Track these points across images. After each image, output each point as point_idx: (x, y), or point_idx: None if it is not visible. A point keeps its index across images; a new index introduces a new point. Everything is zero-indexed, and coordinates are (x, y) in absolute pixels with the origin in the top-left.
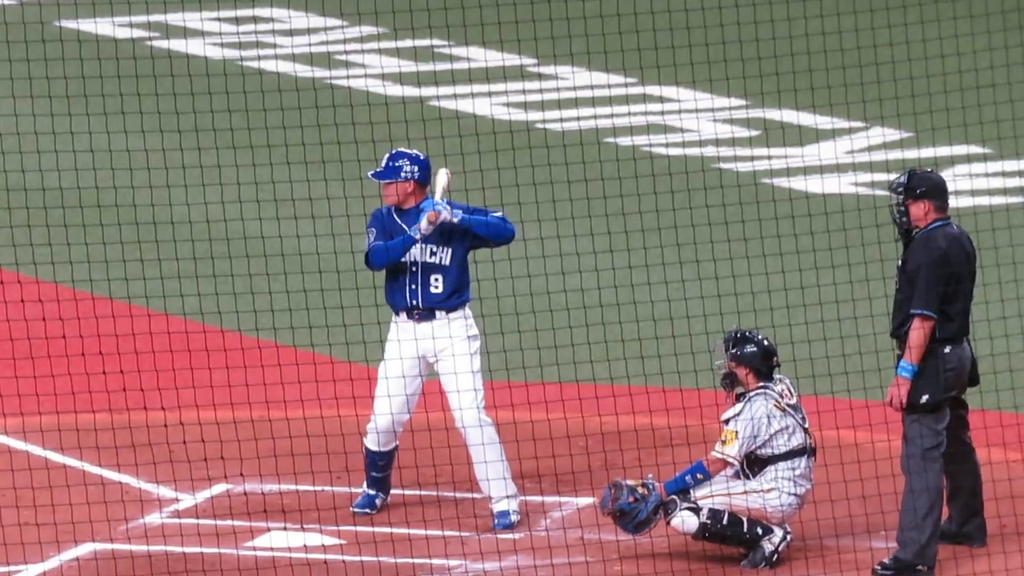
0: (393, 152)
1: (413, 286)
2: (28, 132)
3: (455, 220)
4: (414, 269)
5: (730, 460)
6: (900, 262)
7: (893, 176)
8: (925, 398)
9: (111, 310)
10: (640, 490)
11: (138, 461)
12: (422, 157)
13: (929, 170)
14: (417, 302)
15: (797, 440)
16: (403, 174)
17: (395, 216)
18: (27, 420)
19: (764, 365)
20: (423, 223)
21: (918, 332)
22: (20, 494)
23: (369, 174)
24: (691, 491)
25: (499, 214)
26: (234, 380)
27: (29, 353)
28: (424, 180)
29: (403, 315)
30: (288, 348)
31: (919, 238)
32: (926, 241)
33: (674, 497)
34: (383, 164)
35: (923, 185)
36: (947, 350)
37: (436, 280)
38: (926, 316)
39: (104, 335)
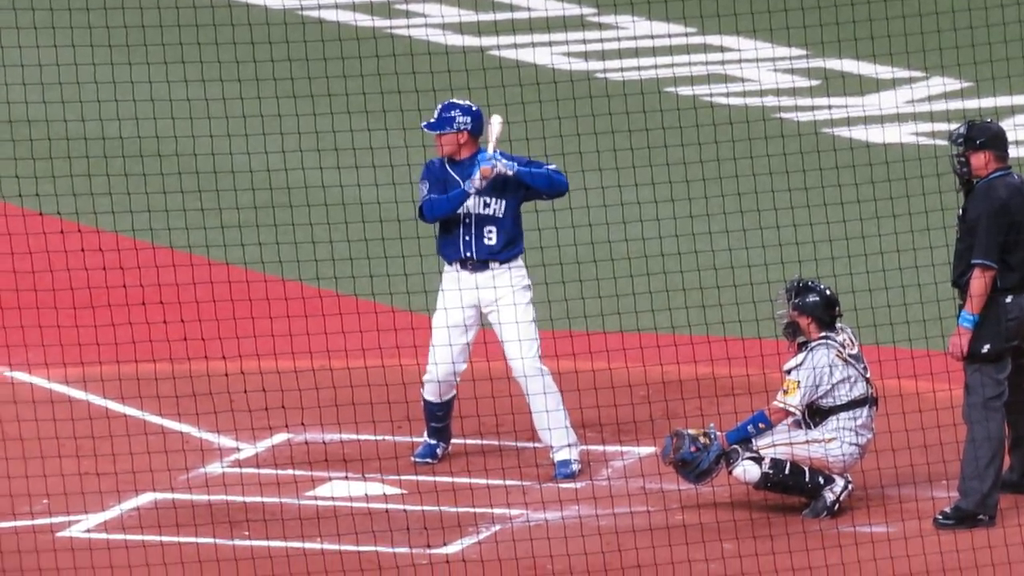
0: (445, 103)
1: (467, 238)
2: (88, 81)
3: (509, 173)
4: (467, 221)
5: (792, 410)
6: (960, 212)
7: (953, 126)
8: (987, 348)
9: (172, 259)
10: (702, 439)
11: (199, 411)
12: (474, 108)
13: (989, 120)
14: (471, 253)
15: (859, 390)
16: (456, 125)
17: (448, 168)
18: (88, 369)
19: (826, 315)
20: (476, 178)
21: (979, 282)
22: (80, 444)
23: (422, 125)
24: (752, 441)
25: (553, 166)
26: (295, 329)
27: (90, 302)
28: (477, 131)
29: (456, 265)
30: (348, 297)
31: (979, 188)
32: (986, 191)
33: (736, 447)
34: (436, 115)
35: (983, 135)
36: (1008, 300)
37: (490, 232)
38: (987, 266)
39: (165, 284)
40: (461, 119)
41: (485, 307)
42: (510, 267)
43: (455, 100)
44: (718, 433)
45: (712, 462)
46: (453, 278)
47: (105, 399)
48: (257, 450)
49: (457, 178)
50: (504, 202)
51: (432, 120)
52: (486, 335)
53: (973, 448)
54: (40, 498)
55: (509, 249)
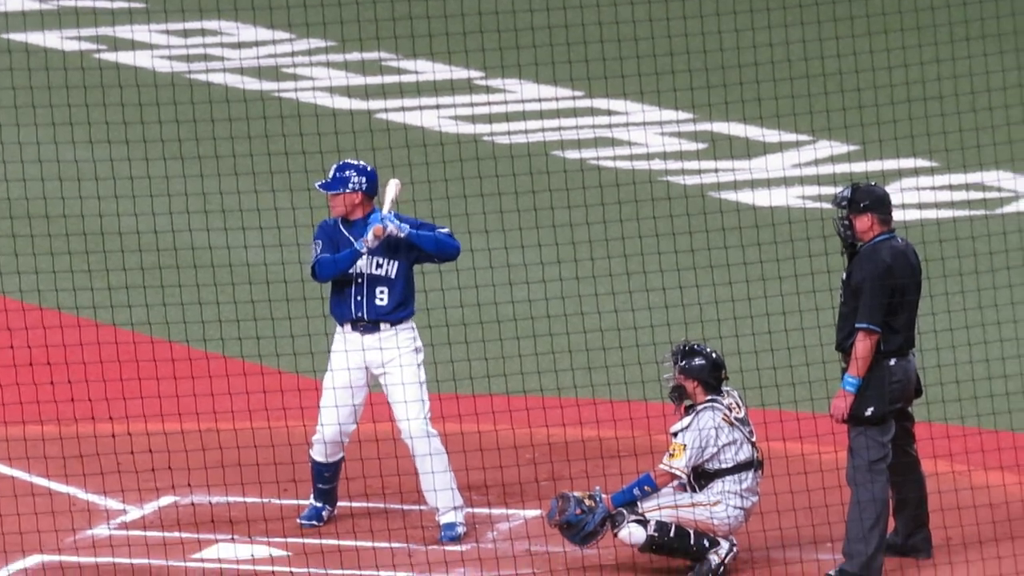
0: (340, 163)
1: (359, 298)
2: None
3: (401, 235)
4: (359, 281)
5: (677, 473)
6: (845, 275)
7: (839, 189)
8: (870, 411)
9: (58, 321)
10: (587, 502)
11: (85, 472)
12: (369, 168)
13: (873, 183)
14: (363, 314)
15: (744, 454)
16: (350, 185)
17: (342, 227)
18: None
19: (712, 378)
20: (369, 237)
21: (863, 345)
22: None
23: (316, 185)
24: (638, 503)
25: (446, 230)
26: (181, 391)
27: None
28: (371, 191)
29: (348, 326)
30: (235, 359)
31: (864, 252)
32: (870, 255)
33: (621, 509)
34: (330, 175)
35: (867, 198)
36: (892, 363)
37: (382, 292)
38: (871, 330)
39: (52, 346)
40: (356, 179)
41: (375, 368)
42: (400, 329)
43: (349, 160)
44: (603, 496)
45: (597, 524)
46: (344, 339)
47: None
48: (144, 512)
49: (350, 238)
50: (396, 263)
51: (327, 180)
52: (373, 397)
53: (857, 510)
54: None
55: (400, 310)
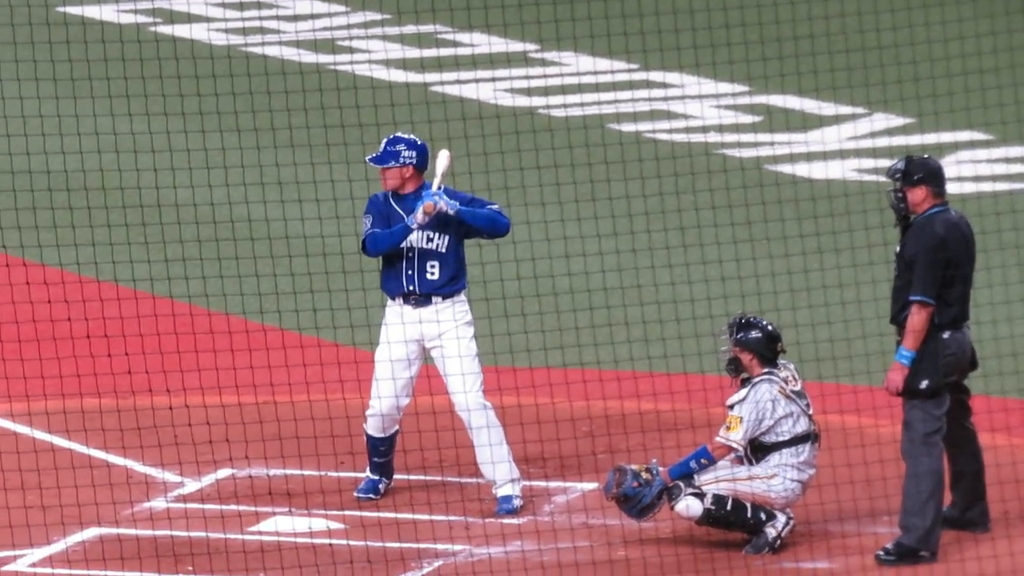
0: (391, 137)
1: (410, 272)
2: (32, 115)
3: (451, 212)
4: (410, 255)
5: (734, 445)
6: (898, 248)
7: (893, 162)
8: (924, 383)
9: (116, 293)
10: (644, 475)
11: (143, 445)
12: (420, 142)
13: (927, 156)
14: (414, 287)
15: (801, 426)
16: (401, 159)
17: (392, 202)
18: (32, 403)
19: (768, 351)
20: (419, 214)
21: (917, 318)
22: (25, 477)
23: (367, 159)
24: (695, 476)
25: (496, 206)
26: (238, 363)
27: (34, 336)
28: (422, 165)
29: (399, 300)
30: (291, 332)
31: (916, 224)
32: (924, 227)
33: (678, 482)
34: (381, 148)
35: (920, 171)
36: (946, 335)
37: (432, 267)
38: (924, 303)
39: (108, 318)
40: (406, 153)
41: (428, 342)
42: (453, 302)
43: (400, 134)
44: (660, 468)
45: (654, 497)
46: (396, 312)
47: (50, 433)
48: (201, 484)
49: (401, 212)
50: (447, 237)
51: (377, 154)
52: (429, 370)
53: (914, 483)
54: None
55: (452, 284)
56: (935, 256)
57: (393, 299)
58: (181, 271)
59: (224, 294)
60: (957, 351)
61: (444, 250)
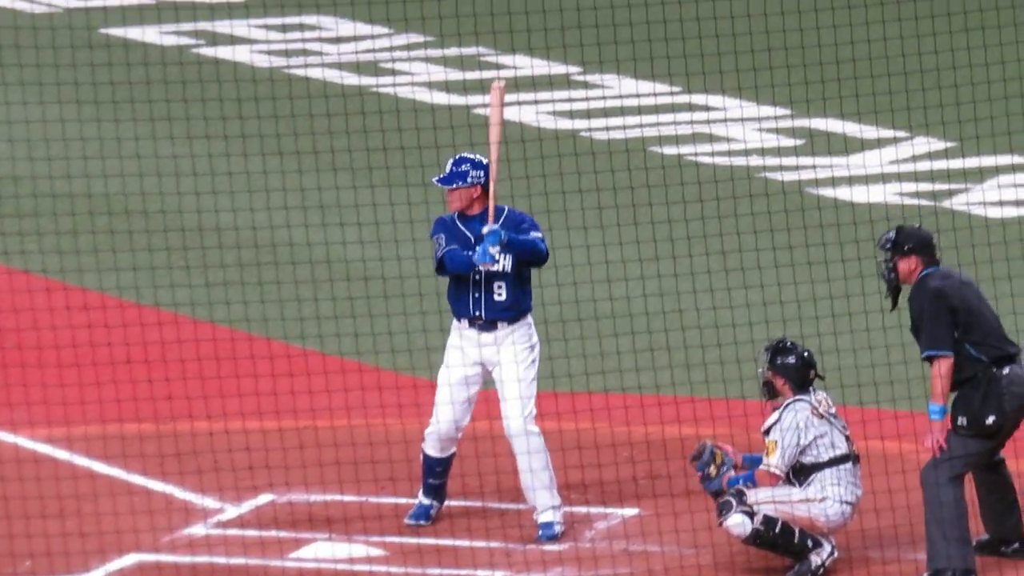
0: (457, 157)
1: (476, 295)
2: (74, 138)
3: (503, 267)
4: (477, 278)
5: (774, 471)
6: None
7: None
8: (991, 419)
9: (156, 318)
10: (711, 468)
11: (183, 470)
12: (485, 161)
13: (918, 226)
14: (480, 312)
15: (840, 448)
16: (469, 179)
17: (458, 223)
18: (72, 429)
19: (801, 376)
20: (481, 268)
21: (934, 371)
22: (65, 503)
23: (434, 180)
24: (749, 493)
25: (539, 234)
26: (279, 388)
27: (75, 361)
28: (488, 184)
29: (465, 323)
30: (333, 356)
31: (913, 288)
32: (919, 288)
33: (729, 498)
34: (447, 169)
35: (911, 241)
36: (1005, 371)
37: (499, 288)
38: (937, 356)
39: (149, 343)
40: (473, 173)
41: (490, 365)
42: (518, 326)
43: (466, 154)
44: (732, 462)
45: (711, 490)
46: (462, 336)
47: (89, 459)
48: (241, 511)
49: (468, 234)
50: (510, 256)
51: (444, 175)
52: (480, 394)
53: (936, 512)
54: (24, 559)
55: (517, 307)
56: (936, 307)
57: (459, 320)
58: (222, 295)
59: (265, 318)
60: (1020, 386)
61: (509, 269)
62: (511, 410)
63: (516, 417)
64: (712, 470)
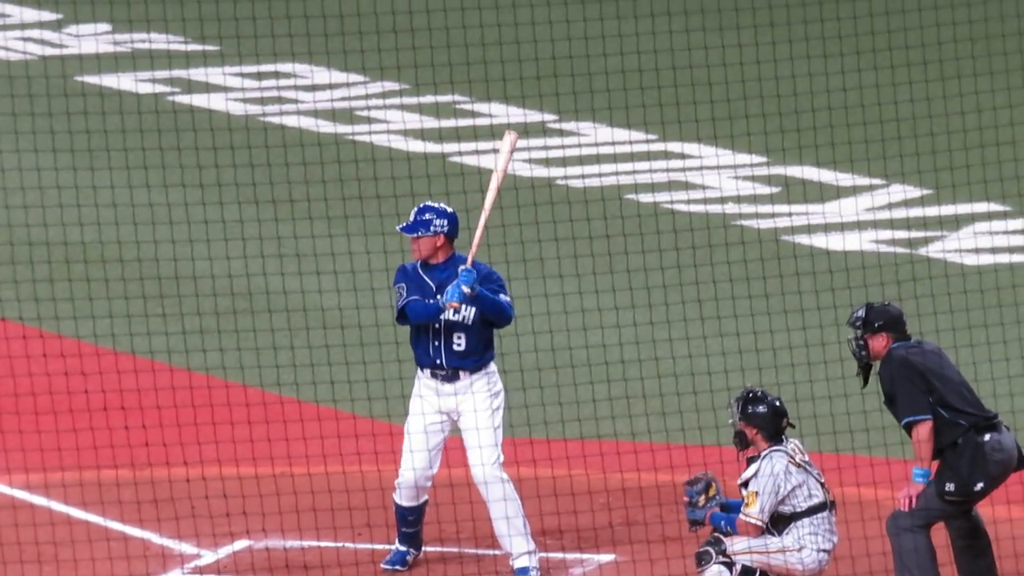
0: (421, 206)
1: (436, 343)
2: (50, 186)
3: (464, 318)
4: (437, 327)
5: (754, 522)
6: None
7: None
8: (979, 486)
9: (133, 365)
10: (700, 498)
11: (160, 517)
12: (450, 210)
13: (887, 303)
14: (441, 361)
15: (817, 496)
16: (432, 228)
17: (421, 272)
18: (49, 475)
19: (773, 426)
20: (448, 313)
21: (916, 436)
22: (42, 549)
23: (397, 228)
24: (727, 542)
25: (507, 298)
26: (255, 435)
27: (51, 408)
28: (453, 234)
29: (427, 372)
30: (309, 403)
31: (881, 362)
32: (888, 361)
33: (708, 548)
34: (411, 217)
35: (881, 319)
36: (987, 438)
37: (459, 338)
38: (916, 421)
39: (126, 390)
40: (437, 222)
41: (454, 415)
42: (478, 377)
43: (431, 203)
44: (718, 500)
45: (691, 521)
46: (423, 385)
47: (67, 505)
48: (218, 556)
49: (430, 282)
50: (474, 309)
51: (408, 223)
52: (449, 441)
53: (904, 560)
54: None
55: (478, 356)
56: (906, 373)
57: (421, 370)
58: (199, 343)
59: (242, 366)
60: (1005, 453)
61: (470, 322)
62: (476, 458)
63: (480, 465)
64: (701, 499)
